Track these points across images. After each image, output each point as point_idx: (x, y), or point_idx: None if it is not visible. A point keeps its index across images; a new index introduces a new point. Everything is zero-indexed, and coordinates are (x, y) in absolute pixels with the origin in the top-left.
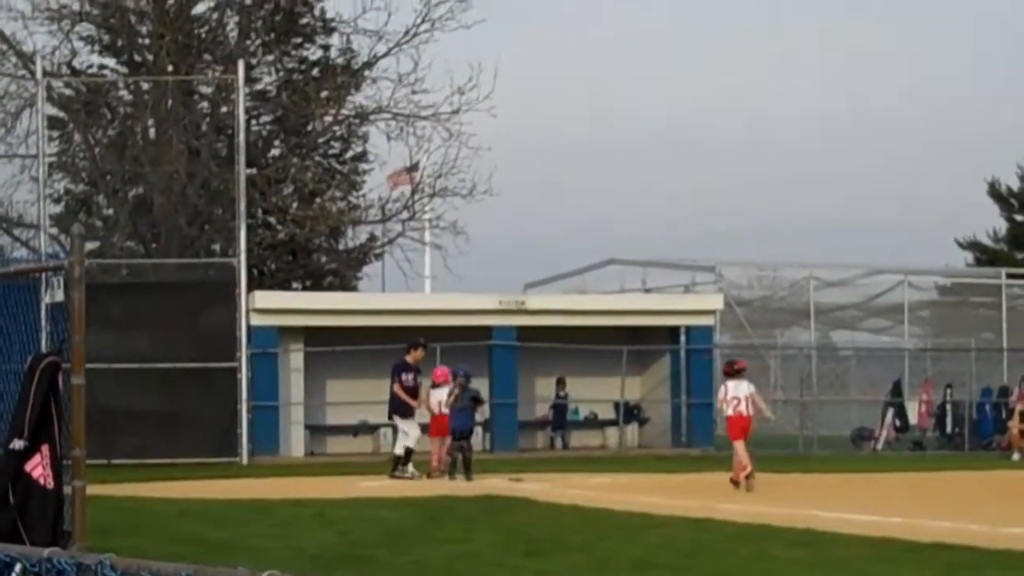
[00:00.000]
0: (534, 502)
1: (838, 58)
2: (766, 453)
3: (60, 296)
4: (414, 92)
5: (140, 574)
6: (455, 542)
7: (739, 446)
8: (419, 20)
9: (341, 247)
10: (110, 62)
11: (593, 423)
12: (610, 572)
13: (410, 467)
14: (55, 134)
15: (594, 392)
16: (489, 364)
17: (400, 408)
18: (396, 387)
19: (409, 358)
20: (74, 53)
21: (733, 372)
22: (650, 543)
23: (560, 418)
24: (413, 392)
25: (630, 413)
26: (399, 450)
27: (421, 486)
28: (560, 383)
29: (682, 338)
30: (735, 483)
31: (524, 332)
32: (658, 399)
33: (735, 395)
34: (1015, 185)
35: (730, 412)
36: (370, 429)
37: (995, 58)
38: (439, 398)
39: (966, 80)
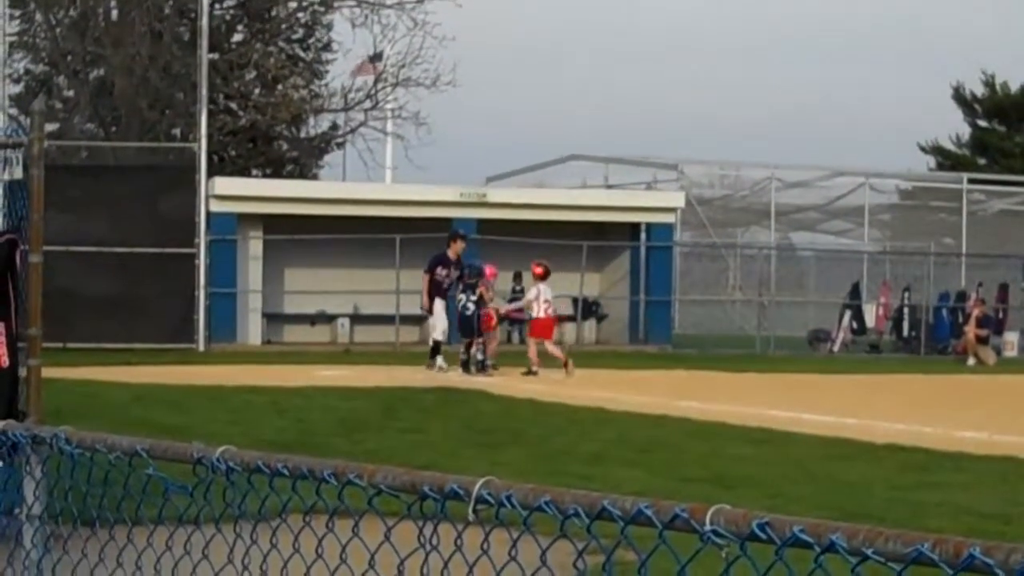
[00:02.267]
0: (490, 395)
1: None
2: (723, 352)
3: (19, 173)
4: None
5: (95, 447)
6: (411, 432)
7: (550, 346)
8: None
9: (302, 135)
10: None
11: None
12: (564, 465)
13: (438, 359)
14: (16, 13)
15: (553, 287)
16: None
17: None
18: (424, 278)
19: (450, 252)
20: None
21: (546, 275)
22: (605, 438)
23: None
24: (442, 288)
25: (588, 309)
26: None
27: (378, 376)
28: (516, 277)
29: (642, 235)
30: (532, 373)
31: (484, 225)
32: (617, 295)
33: (547, 298)
34: (979, 91)
35: (542, 314)
36: (328, 319)
37: None
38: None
39: None
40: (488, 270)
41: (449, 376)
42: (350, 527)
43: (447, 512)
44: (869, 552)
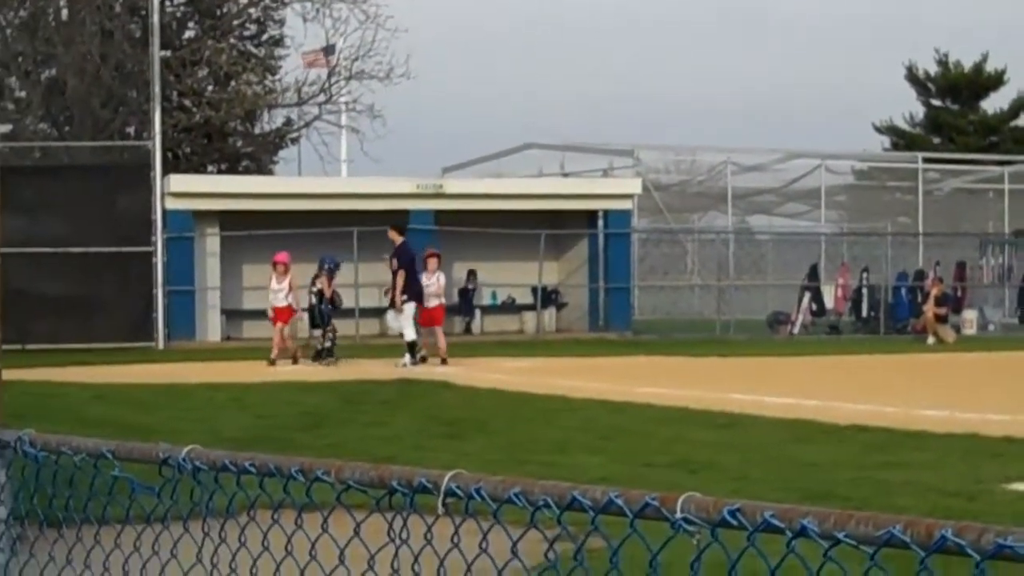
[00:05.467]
0: (452, 385)
1: None
2: (684, 337)
3: None
4: None
5: (60, 450)
6: (374, 425)
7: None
8: None
9: (257, 131)
10: None
11: (511, 307)
12: (529, 454)
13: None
14: None
15: (512, 276)
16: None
17: None
18: (402, 273)
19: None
20: None
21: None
22: (569, 425)
23: (467, 305)
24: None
25: (547, 297)
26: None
27: (339, 369)
28: (471, 274)
29: (600, 222)
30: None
31: (442, 216)
32: (576, 283)
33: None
34: (933, 70)
35: (437, 303)
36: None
37: None
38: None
39: None
40: (279, 255)
41: (415, 369)
42: (319, 523)
43: (416, 506)
44: (841, 536)
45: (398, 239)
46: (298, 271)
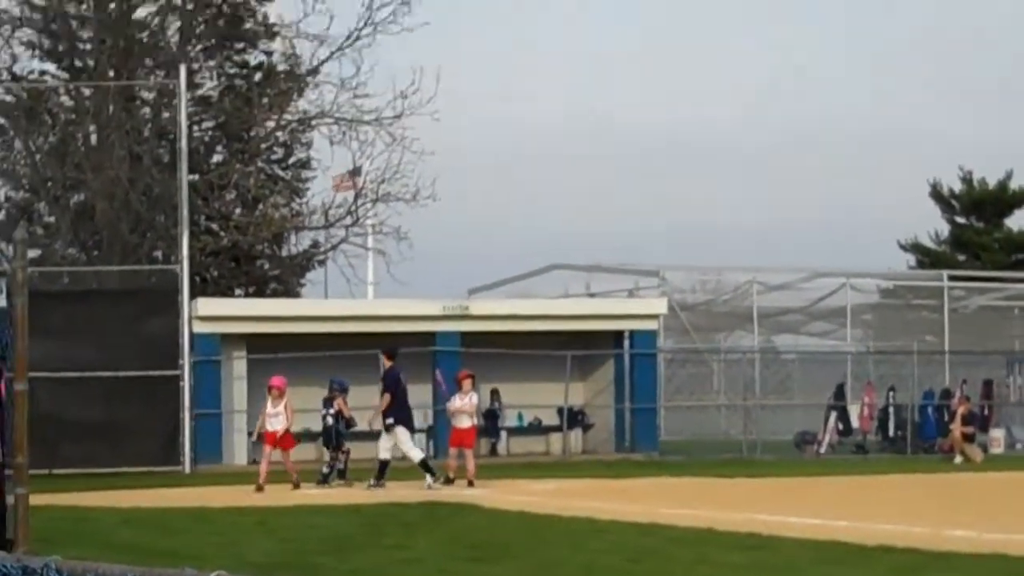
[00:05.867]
0: (478, 508)
1: (778, 57)
2: (711, 458)
3: (2, 302)
4: (356, 96)
5: (86, 575)
6: (398, 548)
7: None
8: (361, 24)
9: (284, 253)
10: (51, 67)
11: (537, 429)
12: None
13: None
14: None
15: (538, 397)
16: (433, 370)
17: None
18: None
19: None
20: (14, 59)
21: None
22: (595, 548)
23: (492, 425)
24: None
25: (574, 418)
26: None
27: (363, 494)
28: (494, 394)
29: (626, 343)
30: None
31: (468, 338)
32: (602, 404)
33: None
34: (957, 187)
35: (469, 424)
36: (314, 437)
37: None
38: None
39: (907, 82)
40: (275, 380)
41: (442, 490)
42: None
43: None
44: None
45: (387, 363)
46: (325, 394)
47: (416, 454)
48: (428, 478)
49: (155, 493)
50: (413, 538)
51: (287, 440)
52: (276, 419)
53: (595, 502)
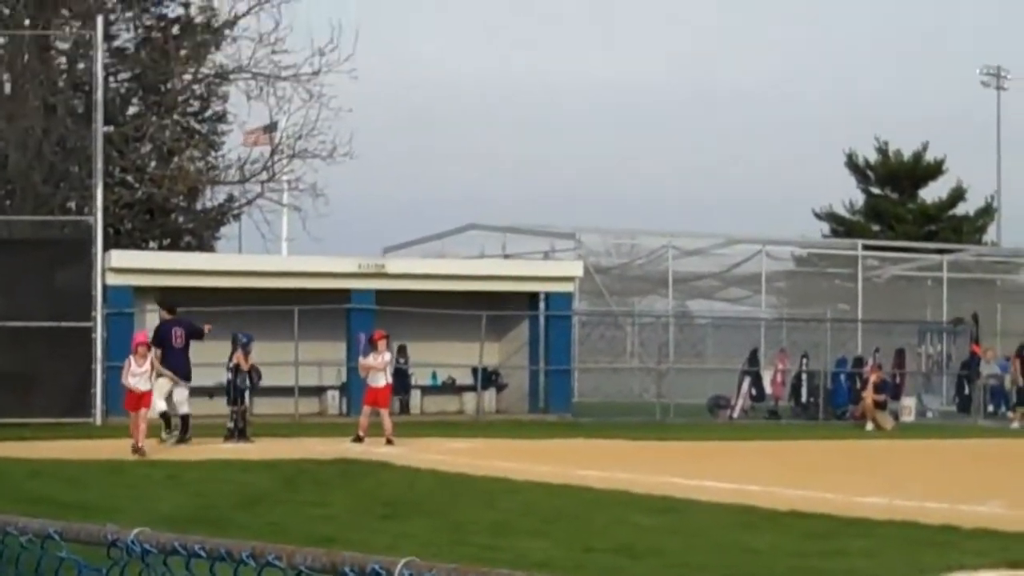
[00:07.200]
0: (391, 466)
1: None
2: (624, 420)
3: None
4: (275, 52)
5: (7, 529)
6: (312, 505)
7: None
8: None
9: (199, 207)
10: None
11: (451, 388)
12: (468, 536)
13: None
14: None
15: (452, 357)
16: (347, 328)
17: None
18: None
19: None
20: None
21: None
22: (508, 508)
23: (401, 383)
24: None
25: (488, 378)
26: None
27: (278, 448)
28: (402, 350)
29: (541, 304)
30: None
31: (383, 296)
32: (516, 365)
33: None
34: (872, 157)
35: (384, 383)
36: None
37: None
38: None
39: (825, 53)
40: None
41: (352, 447)
42: None
43: None
44: None
45: (167, 316)
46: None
47: (160, 405)
48: (163, 432)
49: (65, 445)
50: (327, 495)
51: (147, 399)
52: (143, 378)
53: (509, 462)
